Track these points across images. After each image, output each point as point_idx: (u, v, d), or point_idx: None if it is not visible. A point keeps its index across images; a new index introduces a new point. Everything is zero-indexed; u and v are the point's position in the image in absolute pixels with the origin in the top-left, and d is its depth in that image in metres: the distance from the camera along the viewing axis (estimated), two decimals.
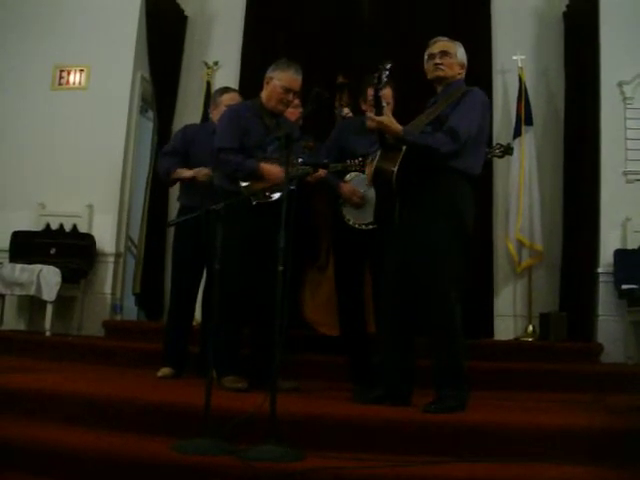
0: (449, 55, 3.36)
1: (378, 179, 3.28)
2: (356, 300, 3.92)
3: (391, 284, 3.30)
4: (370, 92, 3.79)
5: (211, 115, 4.36)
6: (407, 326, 3.25)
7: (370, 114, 3.28)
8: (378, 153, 3.26)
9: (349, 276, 3.91)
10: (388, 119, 3.15)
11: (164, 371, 4.04)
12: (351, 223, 3.86)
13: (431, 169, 3.20)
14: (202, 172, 4.08)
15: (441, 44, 3.40)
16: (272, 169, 3.62)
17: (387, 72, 3.14)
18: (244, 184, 3.63)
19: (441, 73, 3.36)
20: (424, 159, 3.17)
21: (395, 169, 3.15)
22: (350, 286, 3.91)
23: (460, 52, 3.41)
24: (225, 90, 4.40)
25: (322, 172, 3.73)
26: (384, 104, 3.20)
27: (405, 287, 3.23)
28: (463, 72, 3.42)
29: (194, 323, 4.39)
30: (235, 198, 3.39)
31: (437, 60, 3.35)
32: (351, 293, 3.91)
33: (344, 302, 3.94)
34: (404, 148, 3.17)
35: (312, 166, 3.60)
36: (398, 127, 3.14)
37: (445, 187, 3.20)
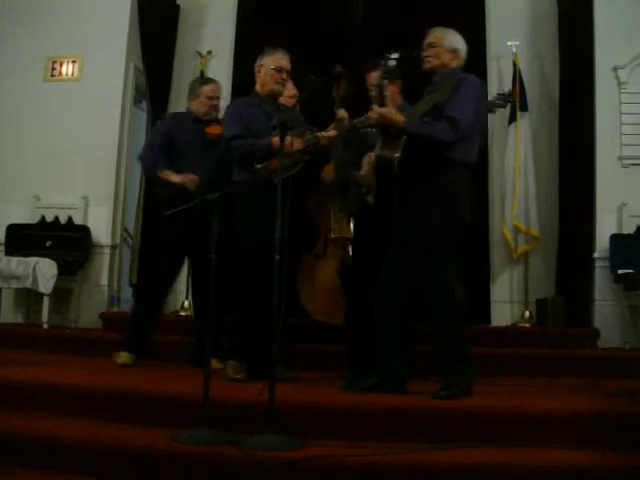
0: (435, 45, 3.40)
1: (380, 167, 3.27)
2: (368, 292, 3.78)
3: (392, 270, 3.30)
4: (372, 76, 3.76)
5: (189, 104, 4.29)
6: (407, 312, 3.26)
7: (373, 106, 3.26)
8: (379, 142, 3.25)
9: (366, 267, 3.79)
10: (389, 110, 3.16)
11: (125, 356, 3.95)
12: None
13: (428, 159, 3.20)
14: (189, 179, 4.00)
15: (430, 35, 3.43)
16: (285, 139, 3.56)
17: (394, 62, 3.12)
18: (259, 166, 3.63)
19: (428, 65, 3.41)
20: (425, 147, 3.18)
21: (397, 155, 3.15)
22: (365, 277, 3.79)
23: (449, 39, 3.42)
24: (206, 81, 4.35)
25: (332, 132, 3.69)
26: (386, 93, 3.19)
27: (405, 274, 3.24)
28: (456, 59, 3.41)
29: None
30: (242, 182, 3.42)
31: (424, 53, 3.41)
32: (364, 284, 3.78)
33: (356, 292, 3.85)
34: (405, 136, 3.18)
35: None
36: (400, 118, 3.16)
37: (441, 176, 3.22)
